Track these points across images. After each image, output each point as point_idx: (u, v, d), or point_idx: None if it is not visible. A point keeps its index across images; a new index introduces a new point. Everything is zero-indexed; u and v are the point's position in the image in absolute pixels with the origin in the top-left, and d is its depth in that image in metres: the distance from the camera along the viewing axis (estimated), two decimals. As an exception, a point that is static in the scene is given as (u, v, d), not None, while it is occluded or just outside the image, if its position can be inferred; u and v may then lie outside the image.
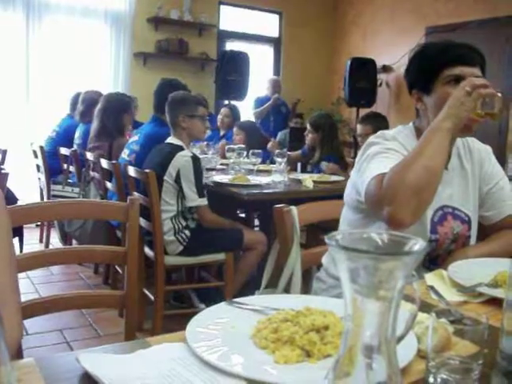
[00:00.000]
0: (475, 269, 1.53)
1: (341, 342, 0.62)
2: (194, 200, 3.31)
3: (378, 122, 4.51)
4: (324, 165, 4.72)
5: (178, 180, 3.29)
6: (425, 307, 1.06)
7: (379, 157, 1.70)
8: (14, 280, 1.19)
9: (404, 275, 0.56)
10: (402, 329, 0.67)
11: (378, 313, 0.58)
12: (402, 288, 0.57)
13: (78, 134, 5.26)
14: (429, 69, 1.76)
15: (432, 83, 1.74)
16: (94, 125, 4.56)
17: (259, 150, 4.66)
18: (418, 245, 0.58)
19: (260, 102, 7.35)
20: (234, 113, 6.22)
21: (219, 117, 6.18)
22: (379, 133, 1.84)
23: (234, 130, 5.53)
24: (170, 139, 3.51)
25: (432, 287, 1.42)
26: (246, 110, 7.38)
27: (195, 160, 3.34)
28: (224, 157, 4.94)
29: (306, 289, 2.03)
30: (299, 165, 4.93)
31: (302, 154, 5.17)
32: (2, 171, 3.24)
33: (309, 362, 0.98)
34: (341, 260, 0.57)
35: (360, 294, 0.58)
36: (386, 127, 4.47)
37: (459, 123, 1.58)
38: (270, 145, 5.42)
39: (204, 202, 3.34)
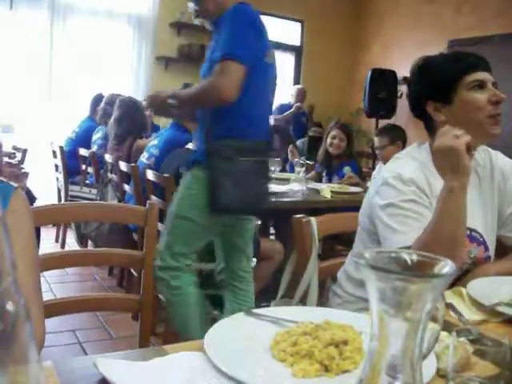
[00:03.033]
0: (495, 287, 1.51)
1: (365, 360, 0.61)
2: None
3: (396, 134, 4.48)
4: (347, 169, 4.66)
5: None
6: (443, 325, 1.05)
7: (401, 217, 1.65)
8: (37, 282, 1.20)
9: (433, 297, 0.56)
10: (424, 348, 0.66)
11: (404, 333, 0.57)
12: (430, 310, 0.57)
13: (99, 135, 5.29)
14: (448, 77, 1.73)
15: (452, 92, 1.72)
16: (114, 127, 4.59)
17: (278, 159, 4.67)
18: (447, 267, 0.57)
19: (283, 109, 7.34)
20: None
21: None
22: (395, 172, 1.72)
23: None
24: (191, 145, 3.51)
25: (451, 304, 1.40)
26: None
27: None
28: None
29: (321, 300, 2.02)
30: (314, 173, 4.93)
31: (316, 171, 5.09)
32: (23, 171, 3.26)
33: (327, 377, 0.98)
34: (369, 279, 0.56)
35: (387, 314, 0.57)
36: (404, 139, 4.45)
37: (466, 171, 1.52)
38: (289, 152, 5.41)
39: None
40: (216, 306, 3.69)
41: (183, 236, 2.69)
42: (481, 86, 1.69)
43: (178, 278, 2.68)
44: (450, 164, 1.51)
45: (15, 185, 1.21)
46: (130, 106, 4.58)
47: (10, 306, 0.42)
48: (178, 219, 2.65)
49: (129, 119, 4.51)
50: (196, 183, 2.61)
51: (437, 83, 1.76)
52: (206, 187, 2.56)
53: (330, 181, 4.75)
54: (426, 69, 1.82)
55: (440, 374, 0.98)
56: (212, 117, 2.61)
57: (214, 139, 2.58)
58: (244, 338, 1.10)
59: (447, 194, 1.53)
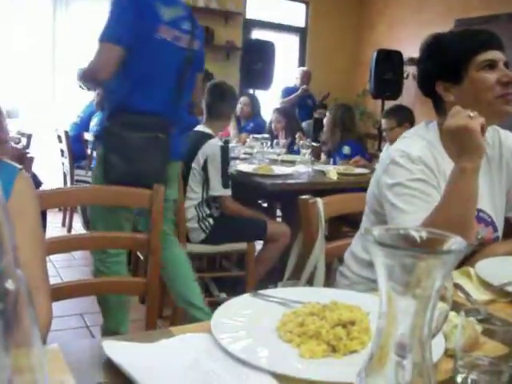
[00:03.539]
0: (504, 267, 1.50)
1: (373, 339, 0.60)
2: (218, 190, 3.31)
3: (403, 115, 4.45)
4: (346, 149, 4.67)
5: (204, 167, 3.29)
6: (452, 305, 1.04)
7: (408, 197, 1.63)
8: (44, 266, 1.20)
9: (442, 275, 0.55)
10: (433, 328, 0.66)
11: (413, 311, 0.57)
12: (439, 288, 0.56)
13: (95, 121, 5.23)
14: (458, 57, 1.69)
15: (463, 71, 1.68)
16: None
17: (284, 140, 4.66)
18: (457, 243, 0.56)
19: (288, 91, 7.30)
20: (254, 102, 6.19)
21: (238, 105, 6.14)
22: (403, 151, 1.70)
23: (275, 116, 5.50)
24: (201, 127, 3.51)
25: (459, 285, 1.39)
26: (271, 100, 7.35)
27: (224, 150, 3.33)
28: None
29: (328, 281, 2.01)
30: (322, 155, 4.92)
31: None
32: (28, 155, 3.25)
33: (334, 357, 0.97)
34: (377, 256, 0.55)
35: (396, 292, 0.56)
36: (412, 120, 4.42)
37: (476, 153, 1.49)
38: (297, 138, 5.39)
39: (228, 192, 3.34)
40: (222, 289, 3.71)
41: (102, 215, 2.78)
42: (491, 65, 1.66)
43: (103, 261, 2.80)
44: (462, 144, 1.47)
45: (19, 166, 1.20)
46: None
47: (10, 285, 0.41)
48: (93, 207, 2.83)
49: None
50: (98, 161, 2.82)
51: (447, 63, 1.72)
52: (99, 162, 2.78)
53: (333, 162, 4.74)
54: (435, 47, 1.77)
55: (448, 353, 0.98)
56: (106, 94, 2.84)
57: (107, 116, 2.77)
58: (251, 319, 1.10)
59: (458, 174, 1.50)
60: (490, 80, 1.65)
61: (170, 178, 2.92)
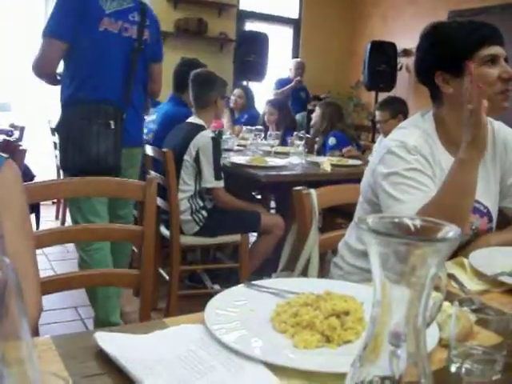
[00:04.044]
0: (497, 257, 1.51)
1: (367, 329, 0.60)
2: (211, 182, 3.30)
3: (397, 107, 4.46)
4: (331, 140, 4.72)
5: (197, 159, 3.28)
6: (445, 295, 1.04)
7: (404, 186, 1.63)
8: (33, 257, 1.19)
9: (436, 262, 0.54)
10: (427, 317, 0.65)
11: (407, 300, 0.56)
12: (434, 276, 0.55)
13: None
14: (461, 49, 1.66)
15: (464, 64, 1.64)
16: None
17: (277, 132, 4.65)
18: (452, 231, 0.56)
19: (282, 83, 7.28)
20: (247, 93, 6.18)
21: (232, 98, 6.13)
22: (399, 140, 1.70)
23: (268, 108, 5.49)
24: (192, 119, 3.50)
25: (452, 275, 1.39)
26: (264, 92, 7.34)
27: (216, 141, 3.33)
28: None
29: (322, 273, 2.01)
30: (316, 147, 4.93)
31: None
32: (20, 148, 3.24)
33: (328, 348, 0.97)
34: (371, 244, 0.55)
35: (390, 280, 0.56)
36: (406, 112, 4.42)
37: (479, 146, 1.50)
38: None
39: (220, 184, 3.33)
40: (216, 281, 3.71)
41: (75, 202, 2.91)
42: (493, 60, 1.65)
43: (84, 249, 2.91)
44: (469, 137, 1.49)
45: (5, 155, 1.18)
46: None
47: (-3, 274, 0.40)
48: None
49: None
50: (60, 153, 2.96)
51: (449, 55, 1.69)
52: (59, 150, 2.95)
53: (322, 153, 4.76)
54: (438, 37, 1.75)
55: (442, 343, 0.98)
56: (61, 85, 2.96)
57: (61, 107, 2.94)
58: (244, 309, 1.10)
59: (458, 166, 1.52)
60: (491, 75, 1.64)
61: (129, 165, 3.06)
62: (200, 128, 3.38)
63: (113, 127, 2.84)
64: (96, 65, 2.87)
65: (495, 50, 1.65)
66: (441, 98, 1.74)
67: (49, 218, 5.49)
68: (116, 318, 2.94)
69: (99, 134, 2.81)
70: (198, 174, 3.32)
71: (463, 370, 0.88)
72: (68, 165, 2.88)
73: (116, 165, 2.86)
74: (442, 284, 0.65)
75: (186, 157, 3.30)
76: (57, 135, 3.07)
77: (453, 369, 0.90)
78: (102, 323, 2.88)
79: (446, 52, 1.70)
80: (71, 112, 2.86)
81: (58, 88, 3.04)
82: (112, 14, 2.85)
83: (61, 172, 5.29)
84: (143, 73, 3.08)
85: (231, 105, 6.08)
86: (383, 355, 0.58)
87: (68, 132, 2.84)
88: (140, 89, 3.09)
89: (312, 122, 5.16)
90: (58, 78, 3.05)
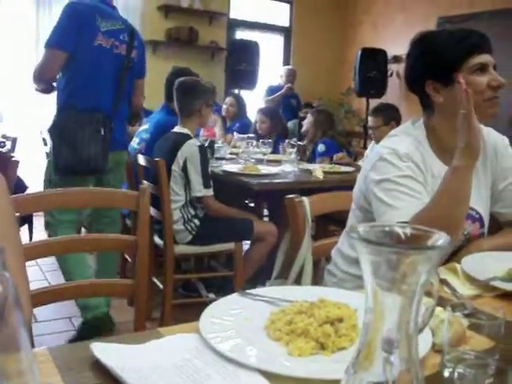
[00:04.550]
0: (489, 262, 1.52)
1: (358, 335, 0.61)
2: (200, 190, 3.30)
3: (390, 114, 4.48)
4: (320, 147, 4.75)
5: (184, 169, 3.28)
6: (438, 301, 1.05)
7: (396, 192, 1.64)
8: (21, 263, 1.18)
9: (427, 270, 0.55)
10: (419, 323, 0.66)
11: (399, 307, 0.57)
12: (424, 283, 0.56)
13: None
14: (450, 58, 1.67)
15: (454, 74, 1.65)
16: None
17: (269, 140, 4.67)
18: (442, 239, 0.57)
19: (272, 90, 7.30)
20: (239, 102, 6.19)
21: (224, 106, 6.15)
22: (391, 148, 1.72)
23: (259, 117, 5.50)
24: (178, 128, 3.49)
25: (445, 280, 1.40)
26: (256, 100, 7.36)
27: (202, 150, 3.33)
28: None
29: (316, 280, 2.02)
30: (308, 153, 4.95)
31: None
32: (13, 159, 3.23)
33: (323, 355, 0.98)
34: (363, 253, 0.56)
35: (381, 288, 0.57)
36: (398, 119, 4.44)
37: (473, 152, 1.52)
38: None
39: (209, 192, 3.33)
40: (211, 290, 3.71)
41: None
42: (482, 69, 1.66)
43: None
44: (462, 144, 1.51)
45: None
46: None
47: (-3, 288, 0.41)
48: (49, 186, 3.35)
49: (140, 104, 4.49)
50: (50, 152, 3.32)
51: (439, 64, 1.70)
52: (52, 152, 3.25)
53: (312, 160, 4.78)
54: (427, 46, 1.76)
55: (435, 348, 0.99)
56: (57, 91, 3.30)
57: (56, 112, 3.25)
58: (239, 318, 1.10)
59: (452, 173, 1.53)
60: (480, 83, 1.65)
61: (115, 166, 3.39)
62: (186, 137, 3.38)
63: (102, 133, 3.17)
64: (90, 76, 3.20)
65: (484, 58, 1.66)
66: (431, 106, 1.76)
67: (42, 229, 5.47)
68: (104, 308, 3.16)
69: (90, 139, 3.13)
70: (187, 184, 3.32)
71: (456, 374, 0.89)
72: (60, 163, 3.15)
73: (103, 166, 3.21)
74: (433, 290, 0.66)
75: (173, 167, 3.30)
76: (49, 137, 3.33)
77: (446, 374, 0.91)
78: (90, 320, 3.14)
79: (436, 61, 1.71)
80: (65, 117, 3.17)
81: (50, 99, 3.33)
82: (106, 32, 3.22)
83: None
84: (129, 87, 3.44)
85: (223, 113, 6.09)
86: (376, 361, 0.59)
87: (61, 135, 3.14)
88: (126, 101, 3.44)
89: (303, 130, 5.18)
90: (54, 84, 3.34)
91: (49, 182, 3.41)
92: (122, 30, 3.34)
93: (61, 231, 3.23)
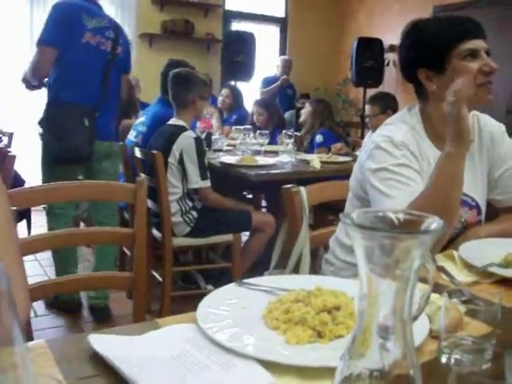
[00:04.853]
0: (486, 248, 1.52)
1: (356, 322, 0.61)
2: (197, 182, 3.30)
3: (387, 102, 4.48)
4: (318, 138, 4.76)
5: (181, 161, 3.28)
6: (435, 287, 1.05)
7: (392, 181, 1.64)
8: (18, 258, 1.18)
9: (421, 255, 0.55)
10: (415, 309, 0.66)
11: (393, 293, 0.57)
12: (418, 268, 0.56)
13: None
14: (440, 45, 1.68)
15: (446, 60, 1.67)
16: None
17: (266, 131, 4.66)
18: (435, 223, 0.57)
19: (268, 81, 7.29)
20: (235, 93, 6.18)
21: (220, 98, 6.14)
22: (387, 136, 1.72)
23: (256, 109, 5.49)
24: (173, 120, 3.49)
25: (442, 267, 1.41)
26: (252, 92, 7.35)
27: (198, 141, 3.32)
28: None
29: (314, 269, 2.02)
30: (305, 144, 4.95)
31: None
32: (9, 154, 3.23)
33: (320, 343, 0.98)
34: (356, 239, 0.56)
35: (375, 274, 0.57)
36: (395, 107, 4.44)
37: (463, 138, 1.53)
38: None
39: (206, 183, 3.33)
40: (210, 281, 3.71)
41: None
42: (473, 54, 1.65)
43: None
44: (452, 130, 1.52)
45: None
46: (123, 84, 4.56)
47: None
48: (45, 177, 3.50)
49: (124, 96, 4.48)
50: (42, 141, 3.53)
51: (430, 51, 1.71)
52: (43, 143, 3.51)
53: (310, 151, 4.78)
54: (418, 35, 1.76)
55: (433, 335, 0.99)
56: (48, 86, 3.47)
57: (46, 105, 3.43)
58: (236, 307, 1.10)
59: (445, 158, 1.53)
60: (472, 69, 1.64)
61: (106, 156, 3.55)
62: (181, 129, 3.37)
63: (87, 124, 3.37)
64: (78, 72, 3.37)
65: (475, 43, 1.65)
66: (425, 94, 1.76)
67: (40, 223, 5.47)
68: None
69: (75, 130, 3.34)
70: (184, 176, 3.31)
71: (453, 360, 0.89)
72: (50, 152, 3.39)
73: (89, 155, 3.42)
74: (429, 276, 0.66)
75: (170, 159, 3.29)
76: (40, 130, 3.55)
77: (443, 359, 0.91)
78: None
79: (427, 49, 1.71)
80: (54, 110, 3.38)
81: (46, 93, 3.47)
82: (92, 29, 3.39)
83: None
84: (117, 81, 3.61)
85: (219, 105, 6.08)
86: (372, 348, 0.59)
87: (50, 127, 3.38)
88: (114, 94, 3.60)
89: (301, 119, 5.18)
90: (45, 80, 3.51)
91: (44, 172, 3.58)
92: (108, 27, 3.49)
93: (59, 225, 3.38)
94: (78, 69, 3.36)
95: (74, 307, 3.54)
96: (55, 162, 3.39)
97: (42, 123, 3.44)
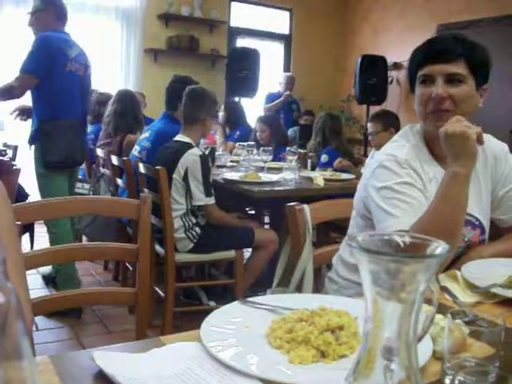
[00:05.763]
0: (489, 269, 1.52)
1: (359, 342, 0.61)
2: (201, 199, 3.30)
3: (389, 120, 4.49)
4: (324, 158, 4.76)
5: (185, 178, 3.28)
6: (438, 308, 1.05)
7: (396, 201, 1.64)
8: (21, 272, 1.18)
9: (426, 278, 0.56)
10: (419, 330, 0.67)
11: (398, 315, 0.58)
12: (423, 291, 0.57)
13: (88, 130, 5.24)
14: (410, 67, 1.76)
15: (414, 84, 1.74)
16: (114, 121, 4.56)
17: (269, 147, 4.67)
18: (440, 247, 0.57)
19: (272, 97, 7.32)
20: (238, 110, 6.20)
21: (220, 113, 6.16)
22: (390, 154, 1.73)
23: (259, 126, 5.51)
24: (179, 137, 3.49)
25: (445, 288, 1.40)
26: (256, 108, 7.38)
27: (204, 159, 3.33)
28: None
29: (317, 287, 2.02)
30: (309, 162, 4.94)
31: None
32: (14, 167, 3.24)
33: (324, 363, 0.98)
34: (362, 262, 0.56)
35: (381, 296, 0.57)
36: (397, 125, 4.45)
37: (470, 159, 1.54)
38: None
39: (211, 201, 3.34)
40: (212, 298, 3.71)
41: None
42: (426, 80, 1.68)
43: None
44: (457, 150, 1.52)
45: None
46: (129, 99, 4.60)
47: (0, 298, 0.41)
48: (40, 181, 4.00)
49: (131, 111, 4.52)
50: (37, 150, 3.96)
51: (408, 73, 1.79)
52: (40, 152, 3.93)
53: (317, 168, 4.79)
54: (411, 56, 1.80)
55: (436, 356, 0.99)
56: (34, 107, 3.99)
57: (40, 121, 3.91)
58: (239, 326, 1.10)
59: (450, 179, 1.53)
60: (422, 95, 1.69)
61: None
62: (187, 146, 3.38)
63: (78, 135, 4.04)
64: (66, 94, 3.93)
65: (430, 69, 1.67)
66: None
67: (43, 237, 5.47)
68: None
69: (69, 139, 3.92)
70: (189, 192, 3.32)
71: (456, 382, 0.89)
72: (50, 158, 3.87)
73: (81, 160, 4.22)
74: (434, 297, 0.67)
75: (174, 175, 3.29)
76: (35, 140, 3.98)
77: (446, 381, 0.91)
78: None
79: (408, 72, 1.80)
80: (49, 124, 3.88)
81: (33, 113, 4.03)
82: (72, 58, 3.95)
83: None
84: (86, 98, 4.32)
85: (219, 120, 6.11)
86: (377, 369, 0.59)
87: (48, 137, 3.86)
88: (87, 109, 4.42)
89: (314, 129, 5.15)
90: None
91: (38, 175, 4.02)
92: (81, 53, 4.08)
93: (61, 240, 3.74)
94: (65, 92, 3.92)
95: (75, 313, 3.63)
96: (55, 167, 3.92)
97: (37, 136, 3.93)
